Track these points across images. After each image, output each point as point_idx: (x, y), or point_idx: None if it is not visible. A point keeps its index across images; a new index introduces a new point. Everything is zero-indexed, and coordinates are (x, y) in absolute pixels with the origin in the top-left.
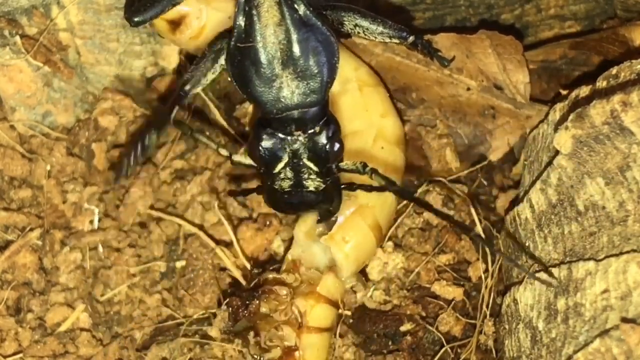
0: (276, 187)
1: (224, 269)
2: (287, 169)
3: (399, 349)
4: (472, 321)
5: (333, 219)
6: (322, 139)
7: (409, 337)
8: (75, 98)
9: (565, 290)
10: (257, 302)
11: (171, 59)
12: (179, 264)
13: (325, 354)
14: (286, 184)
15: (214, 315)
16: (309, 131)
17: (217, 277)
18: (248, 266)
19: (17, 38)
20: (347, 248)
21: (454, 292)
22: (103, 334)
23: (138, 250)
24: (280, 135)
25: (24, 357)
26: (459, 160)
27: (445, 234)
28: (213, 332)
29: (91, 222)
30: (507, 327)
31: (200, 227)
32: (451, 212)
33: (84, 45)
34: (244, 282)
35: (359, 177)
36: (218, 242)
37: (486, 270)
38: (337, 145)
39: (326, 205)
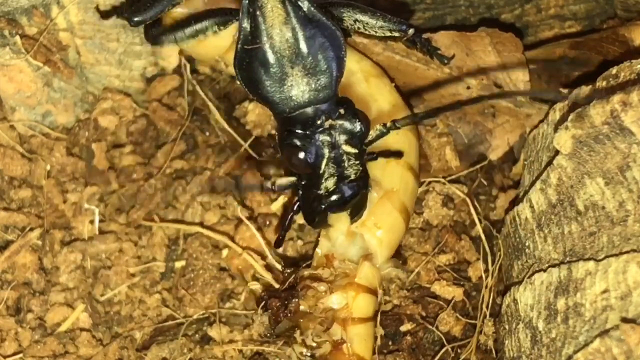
0: (321, 191)
1: (224, 269)
2: (330, 164)
3: (399, 349)
4: (472, 321)
5: None
6: (350, 119)
7: (409, 337)
8: (75, 98)
9: (565, 290)
10: (297, 300)
11: (171, 59)
12: (179, 264)
13: (371, 343)
14: (331, 183)
15: (214, 314)
16: (335, 117)
17: (217, 277)
18: (279, 267)
19: (17, 38)
20: (380, 233)
21: (454, 292)
22: (103, 334)
23: (138, 251)
24: (312, 133)
25: (24, 357)
26: (458, 160)
27: (445, 234)
28: (213, 332)
29: (91, 222)
30: (507, 327)
31: (201, 227)
32: (451, 212)
33: (84, 45)
34: (276, 285)
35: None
36: (218, 241)
37: (486, 270)
38: (364, 118)
39: (365, 191)
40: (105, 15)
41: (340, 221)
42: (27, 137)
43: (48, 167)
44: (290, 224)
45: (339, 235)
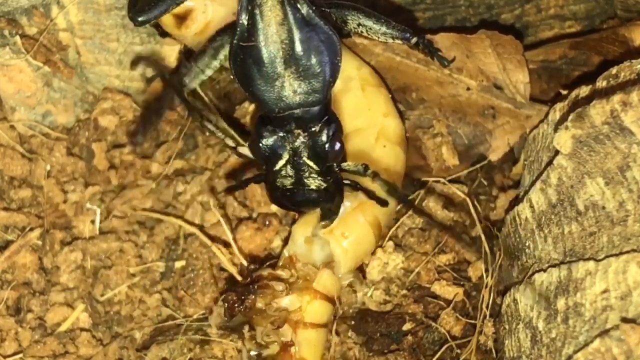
0: (278, 184)
1: (224, 269)
2: (288, 166)
3: (399, 349)
4: (472, 321)
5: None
6: (323, 138)
7: (410, 337)
8: (75, 98)
9: (565, 290)
10: (253, 297)
11: (171, 59)
12: (179, 264)
13: (321, 350)
14: (287, 182)
15: (210, 311)
16: (310, 130)
17: (217, 277)
18: (245, 263)
19: (17, 38)
20: (346, 243)
21: (454, 292)
22: (103, 334)
23: (138, 250)
24: (281, 133)
25: (24, 357)
26: (457, 159)
27: (445, 234)
28: (213, 331)
29: (92, 222)
30: (507, 327)
31: (201, 227)
32: (451, 213)
33: (84, 45)
34: (239, 279)
35: (363, 179)
36: (217, 241)
37: (486, 270)
38: (337, 145)
39: (327, 205)
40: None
41: (307, 224)
42: (27, 137)
43: (48, 167)
44: (244, 185)
45: (298, 231)
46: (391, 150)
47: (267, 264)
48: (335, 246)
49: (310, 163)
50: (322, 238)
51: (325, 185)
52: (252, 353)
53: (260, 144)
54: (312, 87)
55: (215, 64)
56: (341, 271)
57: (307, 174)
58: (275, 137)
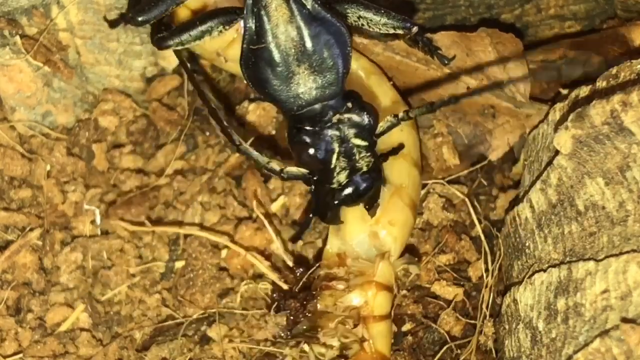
0: (334, 185)
1: (223, 269)
2: (341, 158)
3: (400, 349)
4: (472, 321)
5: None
6: (358, 112)
7: (410, 337)
8: (75, 98)
9: (565, 290)
10: (315, 301)
11: (171, 59)
12: (179, 264)
13: (390, 340)
14: (343, 176)
15: (214, 314)
16: (342, 111)
17: (217, 277)
18: (291, 264)
19: (17, 38)
20: (395, 231)
21: (454, 292)
22: (103, 334)
23: (138, 251)
24: (320, 129)
25: (24, 357)
26: (458, 159)
27: (445, 234)
28: (213, 332)
29: (92, 222)
30: (507, 327)
31: (200, 227)
32: (451, 214)
33: (84, 45)
34: (284, 286)
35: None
36: (218, 241)
37: (486, 270)
38: (372, 112)
39: (380, 183)
40: (112, 24)
41: (354, 219)
42: (27, 137)
43: (48, 167)
44: (309, 223)
45: (354, 234)
46: (409, 135)
47: (317, 264)
48: (387, 235)
49: (359, 141)
50: (370, 230)
51: (374, 160)
52: (331, 356)
53: (311, 151)
54: (327, 81)
55: (196, 42)
56: (394, 258)
57: (357, 155)
58: (317, 135)
